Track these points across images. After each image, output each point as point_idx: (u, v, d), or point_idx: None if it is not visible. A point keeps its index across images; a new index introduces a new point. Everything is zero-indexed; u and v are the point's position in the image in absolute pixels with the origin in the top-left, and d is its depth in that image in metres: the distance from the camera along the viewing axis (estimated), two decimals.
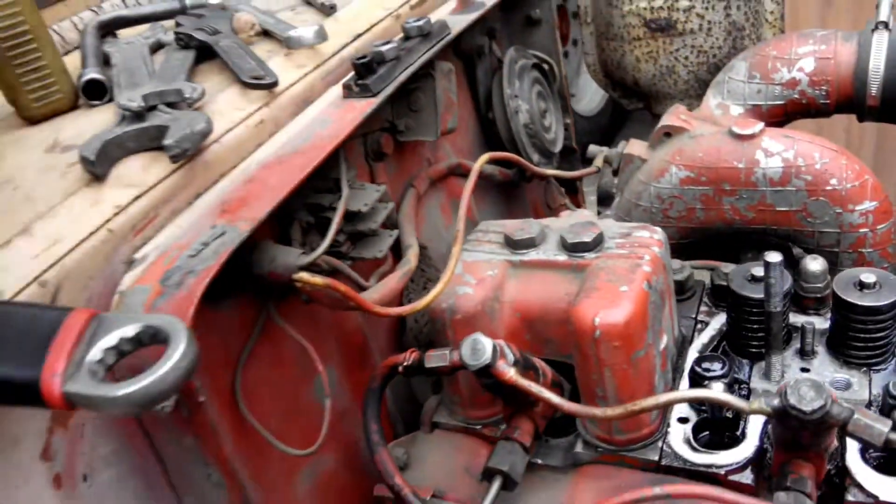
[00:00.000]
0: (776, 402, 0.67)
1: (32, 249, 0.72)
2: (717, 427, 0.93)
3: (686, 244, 1.20)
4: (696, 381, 0.92)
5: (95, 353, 0.50)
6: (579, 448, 0.96)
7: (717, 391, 0.74)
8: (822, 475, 0.79)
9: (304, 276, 0.82)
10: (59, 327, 0.51)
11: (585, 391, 0.92)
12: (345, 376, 1.08)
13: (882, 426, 0.65)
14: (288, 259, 0.83)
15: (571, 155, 1.65)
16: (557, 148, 1.52)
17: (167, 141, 0.79)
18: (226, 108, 0.94)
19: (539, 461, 0.97)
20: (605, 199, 1.48)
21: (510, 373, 0.81)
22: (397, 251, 1.11)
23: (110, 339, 0.51)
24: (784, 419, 0.68)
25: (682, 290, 1.13)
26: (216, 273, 0.70)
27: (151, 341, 0.51)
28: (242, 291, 0.88)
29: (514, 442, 0.91)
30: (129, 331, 0.51)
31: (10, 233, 0.75)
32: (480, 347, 0.81)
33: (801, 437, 0.71)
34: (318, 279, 0.82)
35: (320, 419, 0.94)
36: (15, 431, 0.68)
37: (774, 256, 0.87)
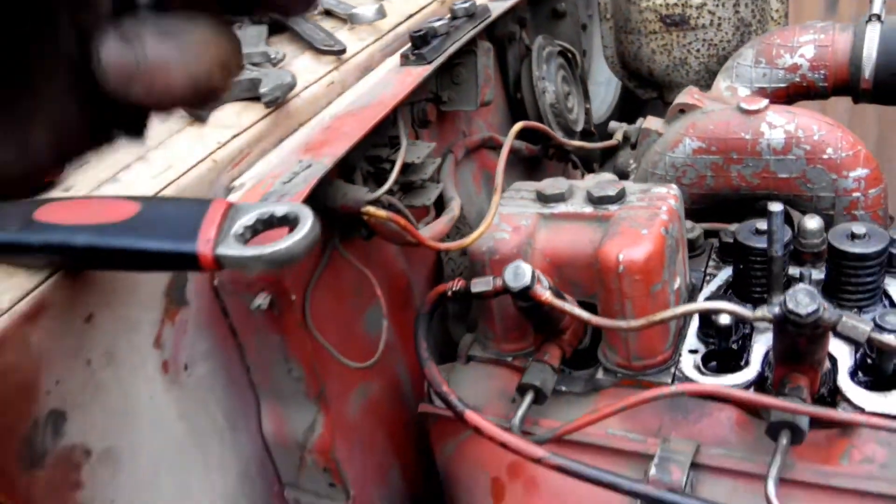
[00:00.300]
0: (777, 310, 0.80)
1: (150, 172, 0.86)
2: (723, 357, 1.05)
3: (697, 209, 1.33)
4: (706, 317, 1.05)
5: (238, 228, 0.63)
6: (600, 375, 1.08)
7: (726, 304, 0.87)
8: (815, 388, 0.91)
9: (371, 209, 0.95)
10: (207, 210, 0.64)
11: None
12: (389, 315, 1.21)
13: (866, 326, 0.77)
14: (357, 194, 0.96)
15: (590, 138, 1.79)
16: (579, 127, 1.66)
17: (262, 89, 0.93)
18: (301, 70, 1.07)
19: (563, 388, 1.09)
20: (620, 178, 1.61)
21: (546, 294, 0.94)
22: (439, 209, 1.24)
23: (248, 219, 0.64)
24: (783, 325, 0.81)
25: (693, 247, 1.26)
26: (306, 197, 0.83)
27: (280, 223, 0.65)
28: None
29: (545, 364, 1.04)
30: (264, 213, 0.64)
31: (129, 159, 0.88)
32: (521, 272, 0.94)
33: (798, 344, 0.83)
34: (382, 212, 0.95)
35: (370, 349, 1.06)
36: (135, 318, 0.81)
37: (776, 206, 1.00)
